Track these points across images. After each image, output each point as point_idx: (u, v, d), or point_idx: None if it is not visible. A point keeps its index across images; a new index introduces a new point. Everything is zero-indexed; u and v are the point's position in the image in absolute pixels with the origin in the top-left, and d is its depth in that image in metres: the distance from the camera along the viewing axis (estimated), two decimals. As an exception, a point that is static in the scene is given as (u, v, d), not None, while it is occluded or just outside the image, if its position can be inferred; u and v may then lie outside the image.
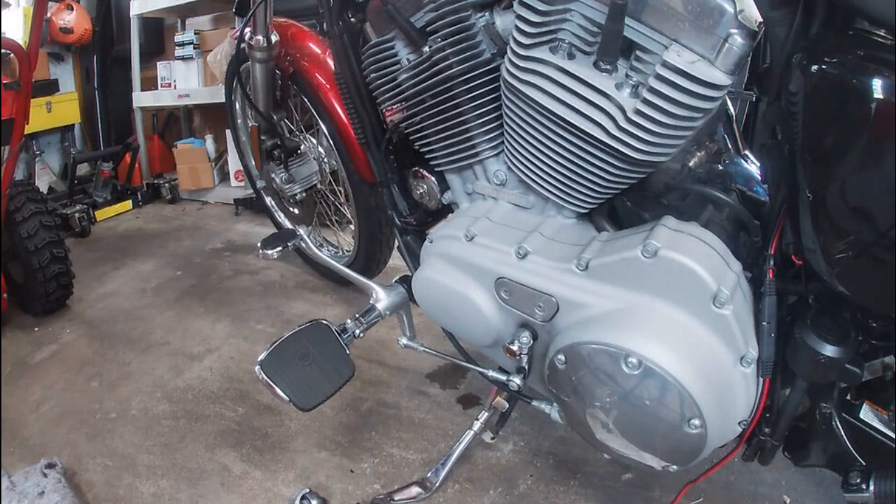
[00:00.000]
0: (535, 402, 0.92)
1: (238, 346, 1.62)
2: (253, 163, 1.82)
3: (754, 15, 0.59)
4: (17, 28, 2.43)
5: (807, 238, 0.61)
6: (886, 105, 0.49)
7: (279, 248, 1.30)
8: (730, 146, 0.79)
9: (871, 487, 0.66)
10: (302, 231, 1.34)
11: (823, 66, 0.53)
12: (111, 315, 1.86)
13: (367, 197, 1.49)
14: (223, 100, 1.87)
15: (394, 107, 0.96)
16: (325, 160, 1.70)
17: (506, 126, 0.81)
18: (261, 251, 1.29)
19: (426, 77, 0.84)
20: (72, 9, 2.83)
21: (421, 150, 0.95)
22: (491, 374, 0.93)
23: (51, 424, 1.37)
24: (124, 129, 3.22)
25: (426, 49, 0.84)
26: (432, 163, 0.95)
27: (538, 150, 0.76)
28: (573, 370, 0.73)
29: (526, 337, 0.81)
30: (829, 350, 0.63)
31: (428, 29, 0.83)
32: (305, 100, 1.53)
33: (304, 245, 1.33)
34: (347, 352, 1.03)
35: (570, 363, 0.73)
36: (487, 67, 0.80)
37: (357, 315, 1.08)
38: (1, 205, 1.58)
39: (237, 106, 1.86)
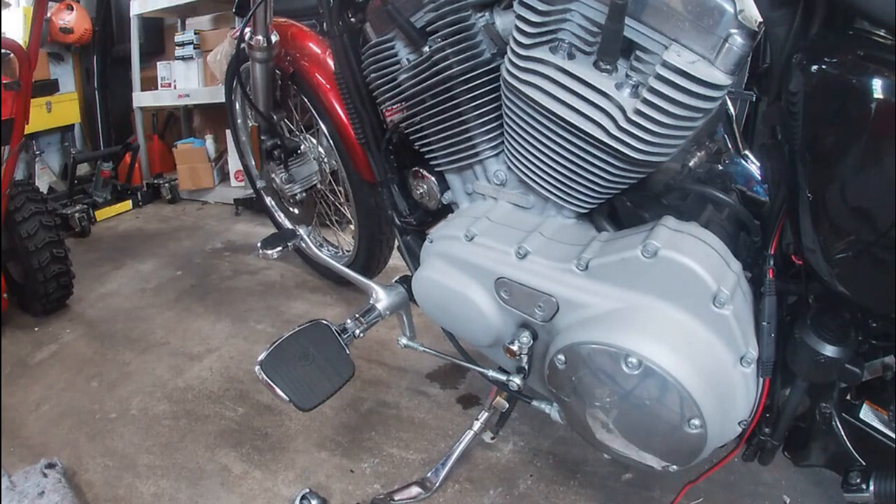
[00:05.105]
0: (535, 402, 0.92)
1: (238, 346, 1.62)
2: (253, 163, 1.82)
3: (754, 15, 0.59)
4: (17, 28, 2.44)
5: (807, 238, 0.61)
6: (886, 105, 0.49)
7: (279, 248, 1.30)
8: (730, 146, 0.79)
9: (871, 487, 0.66)
10: (302, 231, 1.34)
11: (823, 66, 0.53)
12: (111, 315, 1.86)
13: (367, 197, 1.49)
14: (223, 100, 1.87)
15: (394, 107, 0.96)
16: (325, 160, 1.70)
17: (506, 126, 0.81)
18: (261, 251, 1.30)
19: (426, 77, 0.84)
20: (72, 9, 2.83)
21: (421, 150, 0.95)
22: (491, 374, 0.93)
23: (51, 424, 1.37)
24: (124, 129, 3.22)
25: (426, 49, 0.84)
26: (432, 163, 0.95)
27: (538, 150, 0.76)
28: (573, 370, 0.73)
29: (526, 337, 0.81)
30: (829, 350, 0.63)
31: (428, 29, 0.83)
32: (305, 100, 1.53)
33: (304, 245, 1.33)
34: (347, 352, 1.03)
35: (570, 363, 0.73)
36: (487, 67, 0.80)
37: (357, 315, 1.08)
38: (1, 205, 1.58)
39: (237, 106, 1.85)
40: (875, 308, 0.63)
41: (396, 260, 1.61)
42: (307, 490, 1.07)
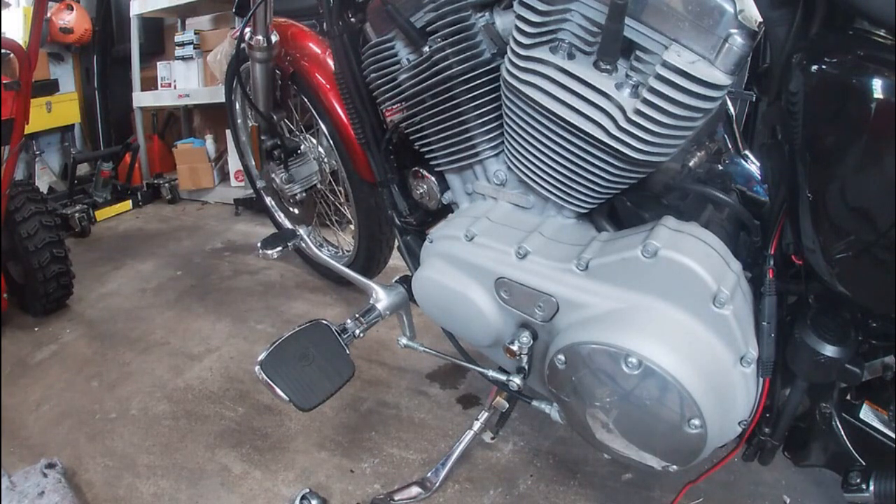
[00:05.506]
0: (535, 402, 0.92)
1: (238, 346, 1.62)
2: (253, 163, 1.82)
3: (754, 15, 0.59)
4: (17, 28, 2.44)
5: (807, 238, 0.61)
6: (886, 105, 0.49)
7: (279, 248, 1.30)
8: (730, 146, 0.79)
9: (871, 487, 0.66)
10: (302, 231, 1.34)
11: (823, 66, 0.53)
12: (111, 315, 1.86)
13: (367, 197, 1.50)
14: (223, 100, 1.87)
15: (394, 107, 0.96)
16: (325, 160, 1.70)
17: (506, 126, 0.81)
18: (261, 251, 1.30)
19: (426, 77, 0.84)
20: (72, 9, 2.83)
21: (421, 150, 0.95)
22: (491, 374, 0.93)
23: (51, 424, 1.37)
24: (124, 129, 3.22)
25: (426, 49, 0.84)
26: (432, 163, 0.95)
27: (538, 150, 0.76)
28: (573, 370, 0.73)
29: (526, 337, 0.81)
30: (829, 350, 0.63)
31: (428, 29, 0.82)
32: (305, 100, 1.54)
33: (304, 245, 1.33)
34: (347, 352, 1.03)
35: (570, 363, 0.73)
36: (487, 67, 0.80)
37: (357, 315, 1.08)
38: (1, 205, 1.58)
39: (237, 106, 1.85)
40: (875, 308, 0.63)
41: (396, 260, 1.61)
42: (307, 490, 1.07)
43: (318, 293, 1.88)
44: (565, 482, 1.09)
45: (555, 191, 0.78)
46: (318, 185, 1.74)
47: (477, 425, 1.09)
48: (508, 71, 0.73)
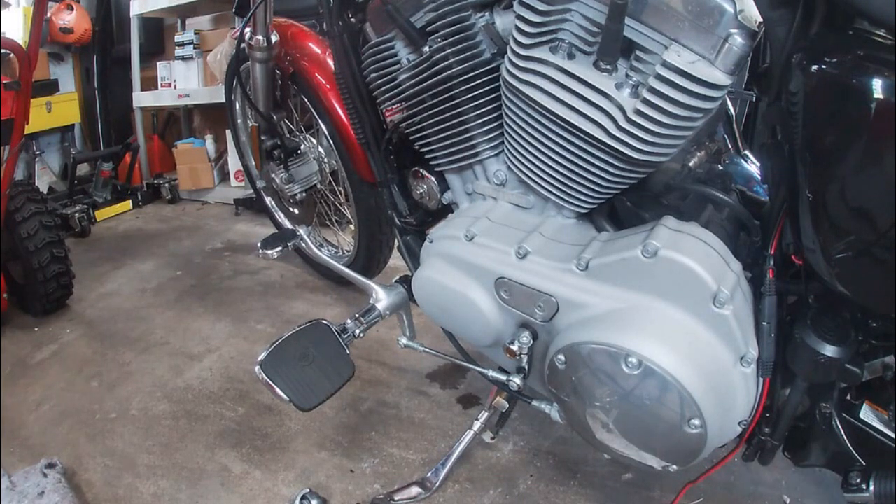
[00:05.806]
0: (535, 402, 0.92)
1: (238, 346, 1.62)
2: (253, 163, 1.82)
3: (754, 15, 0.59)
4: (17, 28, 2.44)
5: (807, 238, 0.61)
6: (886, 105, 0.49)
7: (279, 248, 1.30)
8: (730, 146, 0.79)
9: (871, 487, 0.66)
10: (302, 231, 1.34)
11: (823, 66, 0.53)
12: (111, 315, 1.86)
13: (367, 197, 1.50)
14: (223, 100, 1.87)
15: (394, 107, 0.96)
16: (325, 160, 1.70)
17: (506, 126, 0.81)
18: (261, 251, 1.30)
19: (426, 77, 0.84)
20: (72, 9, 2.83)
21: (421, 150, 0.95)
22: (491, 374, 0.93)
23: (51, 424, 1.37)
24: (124, 129, 3.22)
25: (426, 49, 0.84)
26: (432, 163, 0.95)
27: (538, 150, 0.76)
28: (573, 370, 0.73)
29: (526, 337, 0.81)
30: (829, 350, 0.63)
31: (428, 29, 0.83)
32: (305, 100, 1.54)
33: (304, 245, 1.33)
34: (347, 352, 1.03)
35: (570, 363, 0.73)
36: (487, 67, 0.80)
37: (357, 315, 1.08)
38: (1, 205, 1.58)
39: (237, 106, 1.86)
40: (875, 308, 0.63)
41: (396, 260, 1.61)
42: (307, 490, 1.07)
43: (318, 293, 1.88)
44: (565, 482, 1.09)
45: (555, 191, 0.78)
46: (318, 185, 1.74)
47: (477, 425, 1.09)
48: (508, 71, 0.73)
